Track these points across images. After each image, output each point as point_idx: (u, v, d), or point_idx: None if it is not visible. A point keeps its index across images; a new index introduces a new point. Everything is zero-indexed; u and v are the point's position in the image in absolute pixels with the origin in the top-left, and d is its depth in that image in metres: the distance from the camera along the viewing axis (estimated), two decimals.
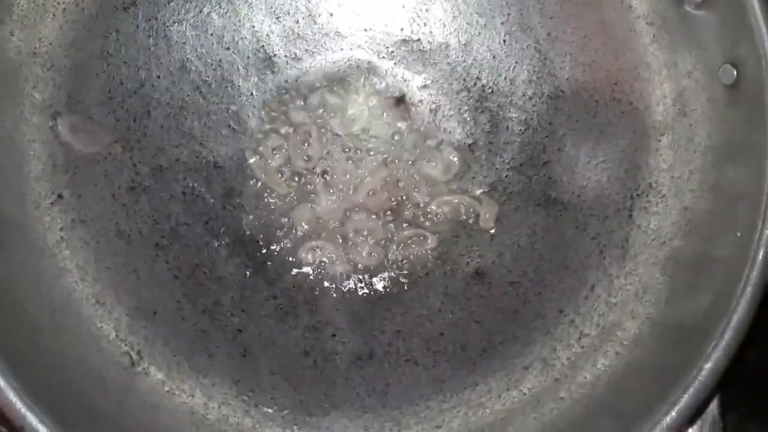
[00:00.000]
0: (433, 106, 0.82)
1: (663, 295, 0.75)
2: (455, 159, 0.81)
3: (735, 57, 0.70)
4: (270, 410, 0.77)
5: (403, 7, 0.83)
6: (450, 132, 0.82)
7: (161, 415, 0.75)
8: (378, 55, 0.83)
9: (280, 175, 0.80)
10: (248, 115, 0.81)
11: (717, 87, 0.72)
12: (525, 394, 0.77)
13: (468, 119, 0.82)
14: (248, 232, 0.80)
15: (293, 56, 0.82)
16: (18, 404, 0.64)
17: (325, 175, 0.81)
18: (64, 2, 0.78)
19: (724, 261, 0.69)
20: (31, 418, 0.64)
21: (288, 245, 0.80)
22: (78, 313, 0.76)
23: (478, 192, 0.81)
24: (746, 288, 0.65)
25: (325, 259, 0.80)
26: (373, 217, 0.80)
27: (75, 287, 0.77)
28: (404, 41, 0.83)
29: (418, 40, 0.82)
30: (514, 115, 0.81)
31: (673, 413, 0.64)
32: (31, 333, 0.72)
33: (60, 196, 0.78)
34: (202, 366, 0.78)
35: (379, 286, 0.80)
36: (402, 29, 0.83)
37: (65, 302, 0.76)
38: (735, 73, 0.70)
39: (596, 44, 0.80)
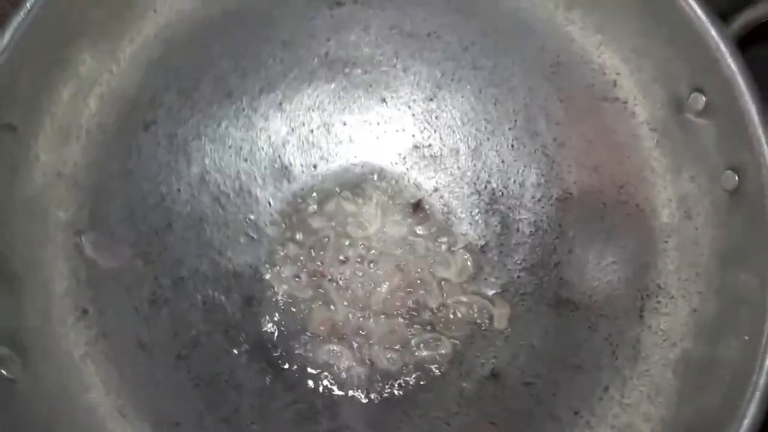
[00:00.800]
0: (446, 209, 0.85)
1: (675, 397, 0.77)
2: (468, 261, 0.84)
3: (736, 163, 0.72)
4: None
5: (413, 115, 0.86)
6: (463, 234, 0.85)
7: None
8: (390, 162, 0.86)
9: (297, 281, 0.83)
10: (265, 224, 0.84)
11: (719, 192, 0.75)
12: None
13: (479, 221, 0.85)
14: (267, 339, 0.83)
15: (308, 164, 0.86)
16: None
17: (341, 281, 0.83)
18: (87, 124, 0.82)
19: (733, 364, 0.71)
20: None
21: (307, 350, 0.83)
22: (103, 427, 0.79)
23: (491, 293, 0.83)
24: (755, 393, 0.67)
25: (343, 362, 0.82)
26: (389, 321, 0.83)
27: (100, 401, 0.80)
28: (415, 147, 0.86)
29: (429, 145, 0.86)
30: (524, 217, 0.84)
31: None
32: None
33: (85, 311, 0.80)
34: None
35: (397, 389, 0.82)
36: (413, 136, 0.87)
37: (91, 417, 0.78)
38: (736, 178, 0.72)
39: (601, 149, 0.83)
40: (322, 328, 0.82)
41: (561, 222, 0.84)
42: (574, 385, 0.81)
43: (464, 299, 0.84)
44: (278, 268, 0.84)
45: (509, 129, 0.85)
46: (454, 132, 0.86)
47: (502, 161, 0.85)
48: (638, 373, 0.79)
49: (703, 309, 0.77)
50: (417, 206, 0.84)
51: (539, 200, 0.84)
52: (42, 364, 0.77)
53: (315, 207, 0.85)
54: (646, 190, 0.81)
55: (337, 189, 0.86)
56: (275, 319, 0.83)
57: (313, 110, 0.85)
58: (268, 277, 0.84)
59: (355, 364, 0.82)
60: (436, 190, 0.86)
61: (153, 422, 0.80)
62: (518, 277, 0.83)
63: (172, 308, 0.82)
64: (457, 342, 0.83)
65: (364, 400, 0.82)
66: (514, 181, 0.84)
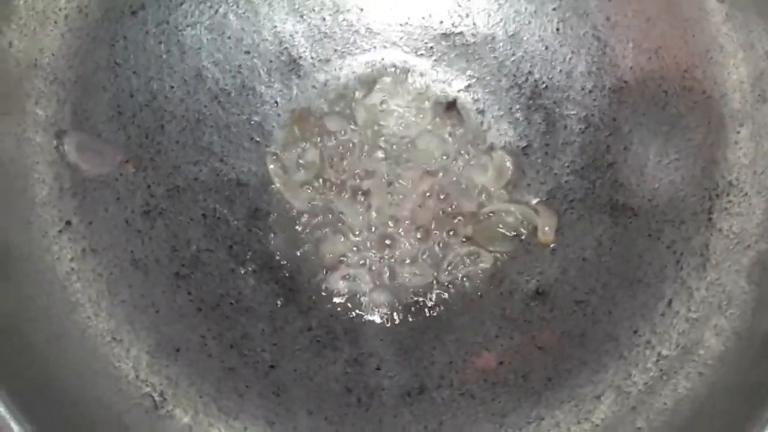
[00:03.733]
0: (481, 107, 0.86)
1: (749, 306, 0.79)
2: (508, 164, 0.86)
3: None
4: None
5: None
6: (501, 134, 0.86)
7: None
8: (416, 53, 0.87)
9: (304, 188, 0.84)
10: (273, 126, 0.86)
11: None
12: (598, 426, 0.81)
13: (520, 119, 0.86)
14: (278, 257, 0.84)
15: (321, 58, 0.87)
16: None
17: (361, 191, 0.85)
18: (66, 8, 0.83)
19: None
20: None
21: (321, 271, 0.84)
22: (93, 351, 0.81)
23: (535, 201, 0.85)
24: None
25: (364, 284, 0.84)
26: (419, 235, 0.84)
27: (89, 323, 0.82)
28: (444, 35, 0.87)
29: (461, 33, 0.87)
30: (572, 112, 0.85)
31: None
32: (44, 374, 0.76)
33: (68, 222, 0.83)
34: (232, 407, 0.82)
35: (428, 311, 0.84)
36: (441, 22, 0.87)
37: (79, 340, 0.81)
38: None
39: (662, 27, 0.84)
40: (333, 259, 0.83)
41: (615, 116, 0.85)
42: (633, 302, 0.83)
43: (504, 208, 0.84)
44: (289, 176, 0.84)
45: (553, 9, 0.86)
46: (489, 15, 0.87)
47: (546, 48, 0.86)
48: (707, 283, 0.81)
49: None
50: (450, 106, 0.85)
51: (590, 92, 0.85)
52: (23, 280, 0.79)
53: (329, 106, 0.86)
54: (714, 72, 0.82)
55: (354, 86, 0.86)
56: (286, 233, 0.84)
57: None
58: (276, 186, 0.84)
59: (378, 284, 0.83)
60: (469, 85, 0.86)
61: (150, 348, 0.83)
62: (566, 181, 0.85)
63: (169, 221, 0.84)
64: (498, 257, 0.83)
65: (392, 325, 0.83)
66: (560, 71, 0.85)
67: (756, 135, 0.80)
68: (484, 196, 0.84)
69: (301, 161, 0.84)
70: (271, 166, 0.83)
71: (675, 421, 0.77)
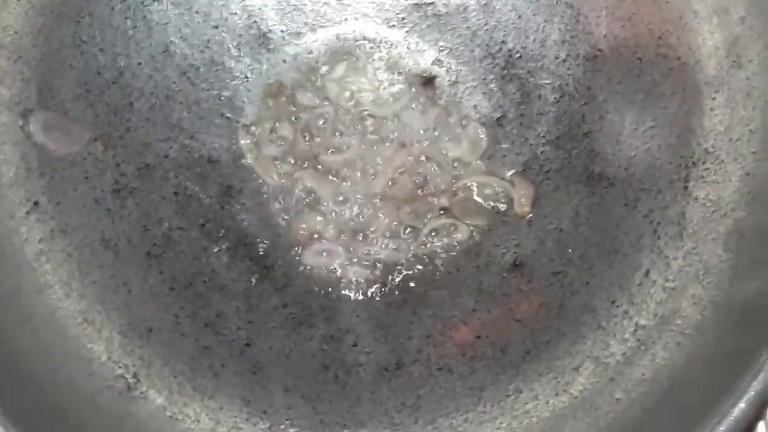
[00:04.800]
0: (454, 78, 0.86)
1: (726, 275, 0.79)
2: (482, 135, 0.85)
3: None
4: None
5: None
6: (475, 105, 0.86)
7: None
8: (387, 24, 0.87)
9: (276, 164, 0.84)
10: (243, 101, 0.86)
11: None
12: (576, 398, 0.81)
13: (494, 90, 0.86)
14: (251, 234, 0.84)
15: (291, 31, 0.87)
16: (1, 429, 0.68)
17: (336, 164, 0.85)
18: None
19: None
20: None
21: (297, 247, 0.84)
22: (64, 333, 0.81)
23: (511, 173, 0.85)
24: None
25: (337, 261, 0.84)
26: (393, 208, 0.84)
27: (59, 305, 0.82)
28: (416, 6, 0.87)
29: (432, 3, 0.87)
30: (546, 82, 0.85)
31: (742, 404, 0.68)
32: (14, 356, 0.76)
33: (36, 203, 0.82)
34: (207, 386, 0.82)
35: (404, 286, 0.84)
36: None
37: (49, 321, 0.80)
38: None
39: None
40: (305, 236, 0.83)
41: (590, 84, 0.85)
42: (610, 272, 0.83)
43: (480, 180, 0.84)
44: (260, 151, 0.84)
45: None
46: None
47: (519, 17, 0.86)
48: (684, 252, 0.81)
49: (757, 172, 0.78)
50: (429, 81, 0.85)
51: (564, 60, 0.85)
52: None
53: (301, 79, 0.85)
54: (688, 38, 0.82)
55: (327, 59, 0.86)
56: (260, 211, 0.85)
57: None
58: (248, 162, 0.84)
59: (353, 259, 0.83)
60: (442, 55, 0.85)
61: (122, 328, 0.83)
62: (542, 152, 0.85)
63: (139, 200, 0.84)
64: (474, 229, 0.83)
65: (367, 300, 0.83)
66: (534, 40, 0.85)
67: (731, 101, 0.80)
68: (459, 168, 0.84)
69: (273, 136, 0.83)
70: (243, 141, 0.83)
71: (653, 392, 0.77)
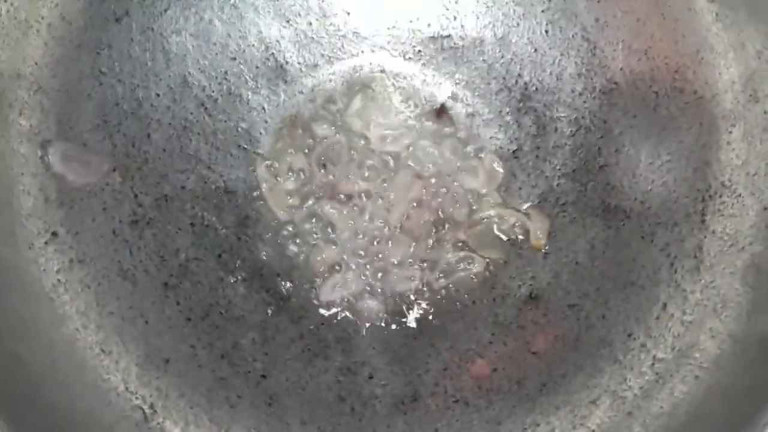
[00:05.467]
0: (470, 110, 0.86)
1: (744, 308, 0.79)
2: (498, 168, 0.86)
3: None
4: None
5: None
6: (491, 138, 0.86)
7: None
8: (404, 57, 0.88)
9: (289, 198, 0.85)
10: (260, 132, 0.86)
11: None
12: (593, 431, 0.81)
13: (510, 122, 0.86)
14: (268, 265, 0.85)
15: (308, 63, 0.87)
16: None
17: (353, 197, 0.85)
18: (48, 16, 0.84)
19: None
20: None
21: (313, 279, 0.84)
22: (82, 364, 0.81)
23: (527, 205, 0.85)
24: None
25: (356, 292, 0.84)
26: (410, 241, 0.84)
27: (77, 335, 0.82)
28: (432, 38, 0.87)
29: (449, 36, 0.87)
30: (562, 115, 0.86)
31: None
32: (32, 386, 0.77)
33: (54, 234, 0.83)
34: (224, 418, 0.83)
35: (420, 318, 0.84)
36: (429, 25, 0.88)
37: (67, 352, 0.81)
38: None
39: (652, 28, 0.84)
40: (322, 269, 0.83)
41: (606, 118, 0.85)
42: (626, 305, 0.83)
43: (496, 212, 0.85)
44: (277, 181, 0.84)
45: (542, 11, 0.86)
46: (477, 18, 0.87)
47: (535, 50, 0.86)
48: (701, 286, 0.81)
49: None
50: (441, 110, 0.85)
51: (580, 94, 0.85)
52: (10, 292, 0.80)
53: (318, 111, 0.86)
54: (705, 73, 0.83)
55: (344, 91, 0.86)
56: (276, 242, 0.85)
57: None
58: (265, 193, 0.84)
59: (370, 292, 0.83)
60: (459, 88, 0.86)
61: (139, 359, 0.83)
62: (558, 184, 0.85)
63: (157, 231, 0.84)
64: (489, 261, 0.84)
65: (383, 332, 0.83)
66: (550, 73, 0.86)
67: (748, 135, 0.81)
68: (475, 200, 0.84)
69: (289, 168, 0.84)
70: (260, 171, 0.83)
71: (671, 425, 0.78)
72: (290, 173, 0.84)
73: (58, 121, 0.84)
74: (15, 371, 0.76)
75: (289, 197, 0.85)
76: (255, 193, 0.85)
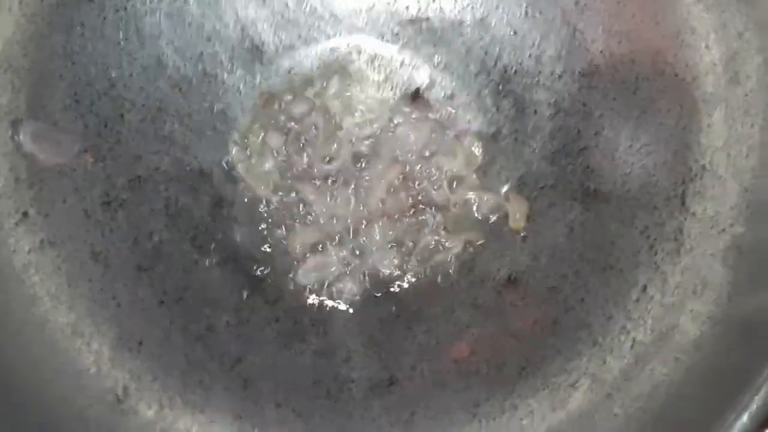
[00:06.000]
0: (449, 93, 0.86)
1: (725, 290, 0.79)
2: (477, 151, 0.85)
3: None
4: None
5: None
6: (470, 120, 0.86)
7: None
8: (382, 38, 0.87)
9: (269, 177, 0.84)
10: (236, 114, 0.85)
11: None
12: (573, 413, 0.81)
13: (489, 105, 0.86)
14: (243, 247, 0.84)
15: (284, 44, 0.86)
16: None
17: (329, 179, 0.84)
18: None
19: None
20: None
21: (290, 260, 0.84)
22: (53, 345, 0.80)
23: (506, 188, 0.85)
24: None
25: (332, 275, 0.83)
26: (387, 223, 0.84)
27: (48, 317, 0.81)
28: (411, 21, 0.87)
29: (427, 18, 0.87)
30: (542, 98, 0.85)
31: (744, 419, 0.68)
32: (2, 369, 0.76)
33: (25, 214, 0.82)
34: (198, 401, 0.82)
35: (397, 301, 0.83)
36: (407, 7, 0.87)
37: (38, 334, 0.80)
38: None
39: (632, 10, 0.84)
40: (299, 251, 0.83)
41: (586, 101, 0.85)
42: (606, 288, 0.83)
43: (474, 195, 0.84)
44: (252, 163, 0.84)
45: None
46: (456, 0, 0.85)
47: (515, 32, 0.86)
48: (682, 268, 0.81)
49: (756, 187, 0.79)
50: (416, 94, 0.85)
51: (559, 76, 0.85)
52: None
53: (294, 92, 0.85)
54: (686, 55, 0.82)
55: (320, 73, 0.85)
56: (251, 224, 0.84)
57: None
58: (240, 174, 0.84)
59: (346, 274, 0.82)
60: (437, 71, 0.85)
61: (112, 341, 0.82)
62: (537, 167, 0.85)
63: (129, 212, 0.83)
64: (468, 244, 0.83)
65: (360, 315, 0.83)
66: (530, 56, 0.85)
67: (729, 118, 0.81)
68: (453, 183, 0.83)
69: (265, 148, 0.83)
70: (234, 152, 0.82)
71: (651, 407, 0.77)
72: (265, 153, 0.83)
73: (29, 100, 0.83)
74: None
75: (269, 175, 0.83)
76: (231, 175, 0.84)
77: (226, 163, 0.84)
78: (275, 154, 0.84)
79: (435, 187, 0.84)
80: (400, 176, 0.84)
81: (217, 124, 0.85)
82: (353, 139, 0.84)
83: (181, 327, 0.81)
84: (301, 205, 0.84)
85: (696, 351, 0.78)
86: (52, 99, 0.83)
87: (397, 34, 0.86)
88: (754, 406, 0.68)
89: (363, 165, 0.84)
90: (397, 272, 0.83)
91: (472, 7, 0.86)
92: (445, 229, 0.84)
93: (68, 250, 0.82)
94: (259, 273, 0.83)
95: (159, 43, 0.84)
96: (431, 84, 0.85)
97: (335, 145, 0.84)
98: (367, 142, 0.84)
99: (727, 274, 0.79)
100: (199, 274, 0.83)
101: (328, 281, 0.83)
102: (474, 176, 0.84)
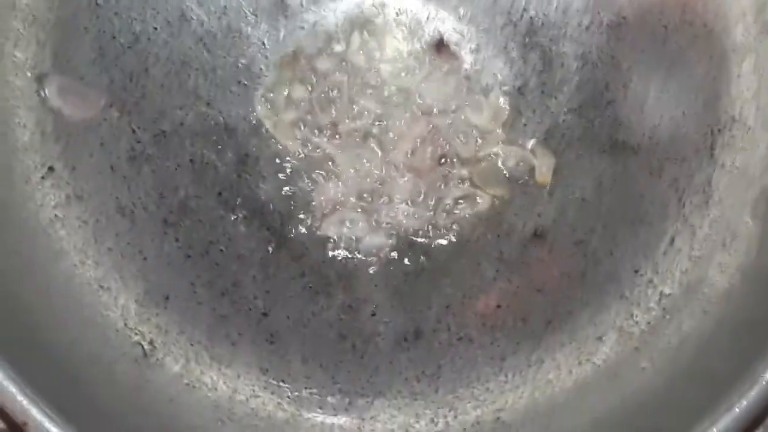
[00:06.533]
0: (474, 46, 0.85)
1: (754, 241, 0.79)
2: (504, 104, 0.85)
3: None
4: (305, 401, 0.81)
5: None
6: (496, 74, 0.85)
7: (181, 411, 0.80)
8: None
9: (295, 131, 0.84)
10: (261, 68, 0.85)
11: None
12: (600, 367, 0.81)
13: (516, 58, 0.85)
14: (268, 203, 0.84)
15: None
16: (19, 397, 0.68)
17: (356, 134, 0.84)
18: None
19: None
20: (35, 413, 0.68)
21: (315, 216, 0.84)
22: (80, 300, 0.81)
23: (532, 142, 0.84)
24: None
25: (358, 229, 0.83)
26: (414, 177, 0.84)
27: (75, 272, 0.82)
28: None
29: None
30: (569, 50, 0.85)
31: None
32: (30, 323, 0.76)
33: (51, 168, 0.82)
34: (225, 355, 0.82)
35: (423, 255, 0.83)
36: None
37: (65, 289, 0.80)
38: None
39: None
40: (325, 206, 0.83)
41: (613, 52, 0.84)
42: (634, 241, 0.83)
43: (501, 149, 0.84)
44: (279, 116, 0.84)
45: None
46: None
47: None
48: (710, 220, 0.81)
49: None
50: (439, 45, 0.84)
51: (587, 28, 0.84)
52: (5, 228, 0.79)
53: (319, 47, 0.85)
54: (715, 4, 0.82)
55: (346, 26, 0.85)
56: (276, 179, 0.84)
57: None
58: (266, 129, 0.84)
59: (372, 229, 0.82)
60: (463, 23, 0.85)
61: (138, 296, 0.82)
62: (564, 120, 0.84)
63: (155, 167, 0.83)
64: (494, 198, 0.83)
65: (386, 269, 0.83)
66: (556, 7, 0.85)
67: (759, 68, 0.80)
68: (480, 137, 0.83)
69: (290, 100, 0.83)
70: (260, 107, 0.82)
71: (680, 360, 0.77)
72: (289, 104, 0.83)
73: (54, 54, 0.83)
74: (13, 310, 0.75)
75: (296, 127, 0.83)
76: (256, 130, 0.83)
77: (252, 117, 0.83)
78: (301, 108, 0.83)
79: (461, 142, 0.83)
80: (427, 130, 0.83)
81: (242, 79, 0.85)
82: (379, 94, 0.83)
83: (207, 282, 0.82)
84: (326, 160, 0.83)
85: (725, 303, 0.78)
86: (77, 53, 0.83)
87: None
88: None
89: (389, 120, 0.83)
90: (423, 226, 0.82)
91: None
92: (471, 183, 0.83)
93: (94, 204, 0.83)
94: (284, 228, 0.82)
95: None
96: (457, 37, 0.84)
97: (361, 101, 0.83)
98: (393, 97, 0.83)
99: (756, 226, 0.78)
100: (225, 228, 0.83)
101: (354, 236, 0.82)
102: (500, 130, 0.84)
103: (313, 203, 0.83)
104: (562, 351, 0.81)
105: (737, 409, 0.67)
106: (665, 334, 0.79)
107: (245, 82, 0.84)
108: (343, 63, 0.85)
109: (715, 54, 0.82)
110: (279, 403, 0.81)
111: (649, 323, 0.80)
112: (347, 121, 0.84)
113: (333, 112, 0.84)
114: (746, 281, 0.77)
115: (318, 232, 0.83)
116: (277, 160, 0.84)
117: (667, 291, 0.80)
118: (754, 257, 0.77)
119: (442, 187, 0.84)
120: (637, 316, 0.80)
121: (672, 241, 0.81)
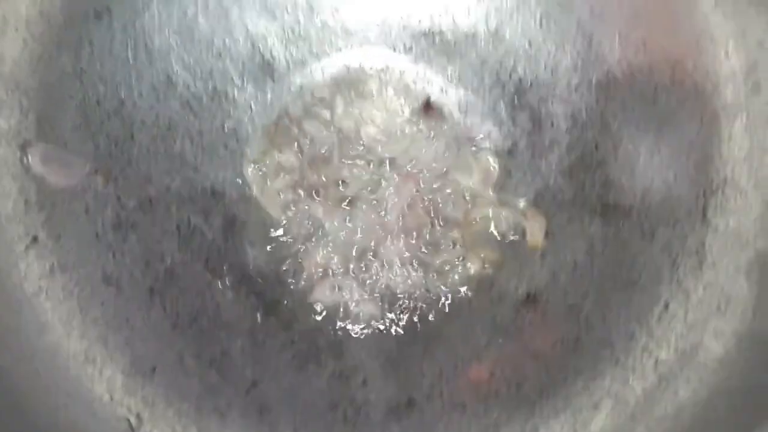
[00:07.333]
0: (464, 106, 0.85)
1: (749, 306, 0.78)
2: (494, 165, 0.84)
3: None
4: None
5: None
6: (485, 135, 0.84)
7: None
8: (394, 51, 0.86)
9: (283, 196, 0.83)
10: (248, 132, 0.84)
11: None
12: None
13: (505, 119, 0.85)
14: (256, 269, 0.83)
15: (295, 60, 0.86)
16: None
17: (346, 197, 0.83)
18: (26, 13, 0.82)
19: None
20: None
21: (304, 282, 0.83)
22: (65, 372, 0.80)
23: (523, 203, 0.84)
24: None
25: (347, 296, 0.82)
26: (404, 241, 0.83)
27: (60, 343, 0.81)
28: (424, 34, 0.86)
29: (440, 31, 0.86)
30: (558, 110, 0.84)
31: None
32: (15, 396, 0.75)
33: (35, 238, 0.81)
34: (213, 428, 0.81)
35: (414, 321, 0.83)
36: (420, 21, 0.86)
37: (50, 361, 0.79)
38: None
39: (649, 18, 0.83)
40: (314, 272, 0.82)
41: (603, 112, 0.84)
42: (627, 305, 0.82)
43: (491, 211, 0.83)
44: (266, 182, 0.83)
45: (536, 3, 0.85)
46: (469, 12, 0.86)
47: (529, 43, 0.85)
48: (704, 284, 0.80)
49: None
50: (427, 106, 0.84)
51: (576, 88, 0.84)
52: None
53: (306, 110, 0.84)
54: (705, 64, 0.82)
55: (332, 88, 0.85)
56: (264, 245, 0.83)
57: None
58: (253, 194, 0.83)
59: (362, 295, 0.82)
60: (451, 84, 0.85)
61: (124, 368, 0.81)
62: (554, 182, 0.84)
63: (141, 234, 0.83)
64: (486, 261, 0.82)
65: (376, 336, 0.82)
66: (545, 67, 0.84)
67: (750, 128, 0.80)
68: (470, 199, 0.83)
69: (279, 167, 0.82)
70: (249, 172, 0.81)
71: (676, 429, 0.77)
72: (279, 171, 0.82)
73: (37, 122, 0.83)
74: None
75: (281, 195, 0.82)
76: (243, 194, 0.83)
77: (239, 182, 0.82)
78: (289, 174, 0.82)
79: (451, 204, 0.83)
80: (416, 193, 0.83)
81: (229, 143, 0.84)
82: (368, 156, 0.83)
83: (194, 352, 0.81)
84: (315, 226, 0.82)
85: (721, 370, 0.77)
86: (61, 120, 0.83)
87: (410, 47, 0.86)
88: None
89: (377, 184, 0.82)
90: (413, 290, 0.82)
91: (486, 18, 0.85)
92: (462, 246, 0.82)
93: (79, 274, 0.82)
94: (273, 295, 0.82)
95: (168, 60, 0.84)
96: (445, 97, 0.83)
97: (349, 163, 0.83)
98: (381, 159, 0.83)
99: (751, 290, 0.78)
100: (213, 296, 0.83)
101: (344, 302, 0.81)
102: (490, 192, 0.83)
103: (303, 270, 0.82)
104: (557, 419, 0.80)
105: None
106: (661, 401, 0.79)
107: (232, 146, 0.84)
108: (332, 127, 0.83)
109: (705, 114, 0.82)
110: None
111: (644, 390, 0.80)
112: (336, 186, 0.83)
113: (322, 177, 0.83)
114: (742, 347, 0.77)
115: (307, 300, 0.81)
116: (265, 226, 0.83)
117: (662, 357, 0.80)
118: (749, 322, 0.77)
119: (433, 250, 0.82)
120: (632, 383, 0.80)
121: (666, 305, 0.80)
